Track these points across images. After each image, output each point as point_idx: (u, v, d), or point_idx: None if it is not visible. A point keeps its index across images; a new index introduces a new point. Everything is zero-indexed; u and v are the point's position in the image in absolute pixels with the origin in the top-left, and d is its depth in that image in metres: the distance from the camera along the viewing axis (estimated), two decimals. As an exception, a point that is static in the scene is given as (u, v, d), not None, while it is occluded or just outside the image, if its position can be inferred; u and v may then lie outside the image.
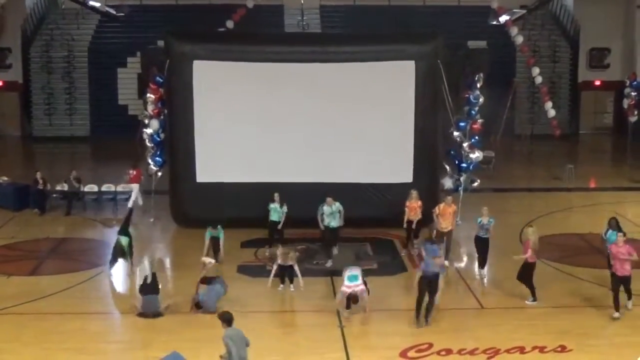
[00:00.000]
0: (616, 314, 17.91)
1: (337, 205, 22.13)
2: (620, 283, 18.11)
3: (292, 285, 19.86)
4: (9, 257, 23.11)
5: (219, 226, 22.08)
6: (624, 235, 18.69)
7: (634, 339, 16.90)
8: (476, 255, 21.52)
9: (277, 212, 22.85)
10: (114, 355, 16.36)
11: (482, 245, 21.35)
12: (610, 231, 19.85)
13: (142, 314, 18.01)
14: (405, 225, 22.96)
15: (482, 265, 21.36)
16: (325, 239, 22.64)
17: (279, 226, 22.93)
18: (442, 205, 22.05)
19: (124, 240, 21.25)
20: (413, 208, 22.86)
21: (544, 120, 38.16)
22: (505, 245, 23.60)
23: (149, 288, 18.30)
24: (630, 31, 46.06)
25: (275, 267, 19.95)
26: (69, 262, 22.69)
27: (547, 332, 17.21)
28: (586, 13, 45.82)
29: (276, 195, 22.84)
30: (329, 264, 21.78)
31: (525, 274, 19.04)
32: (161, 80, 25.73)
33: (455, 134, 25.70)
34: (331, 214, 22.11)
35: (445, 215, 21.88)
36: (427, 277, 17.60)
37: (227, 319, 14.31)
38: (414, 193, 23.00)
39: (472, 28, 43.48)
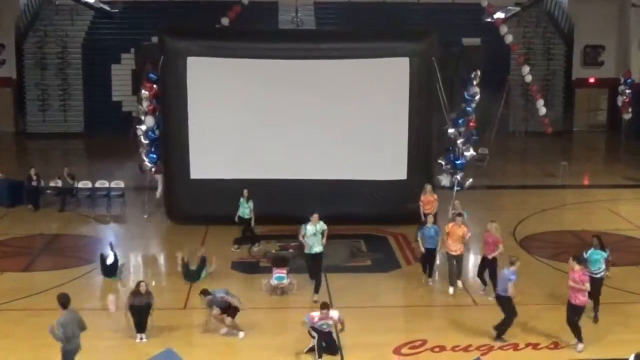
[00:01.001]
0: (580, 346, 16.31)
1: (320, 225, 19.39)
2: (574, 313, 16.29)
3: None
4: (3, 253, 23.07)
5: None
6: (608, 256, 18.03)
7: (627, 336, 16.94)
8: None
9: (242, 207, 23.00)
10: (107, 351, 16.33)
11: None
12: (592, 249, 17.91)
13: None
14: (423, 219, 22.57)
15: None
16: (308, 268, 19.80)
17: (252, 223, 23.08)
18: (450, 225, 19.75)
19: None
20: (429, 202, 22.75)
21: (537, 118, 38.25)
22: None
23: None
24: (625, 29, 46.10)
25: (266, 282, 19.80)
26: (63, 259, 22.68)
27: (541, 329, 17.24)
28: (580, 10, 45.88)
29: (245, 191, 22.98)
30: (315, 297, 19.03)
31: (493, 269, 19.07)
32: (155, 77, 25.69)
33: (450, 131, 25.67)
34: (314, 234, 19.31)
35: (455, 237, 19.55)
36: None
37: (63, 302, 14.36)
38: (429, 187, 23.01)
39: (467, 25, 43.48)
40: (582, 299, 16.07)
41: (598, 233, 18.92)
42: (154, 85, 25.77)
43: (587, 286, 15.99)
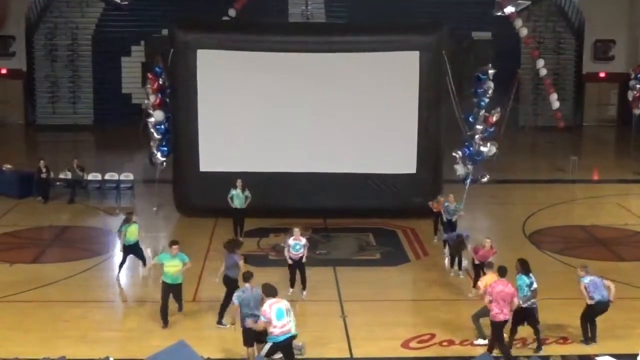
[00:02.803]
0: None
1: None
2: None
3: (304, 292, 18.96)
4: (12, 244, 23.16)
5: (178, 257, 17.22)
6: (532, 284, 15.83)
7: (636, 331, 16.91)
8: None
9: (239, 198, 22.92)
10: (116, 343, 16.35)
11: (451, 228, 21.68)
12: (518, 275, 16.03)
13: None
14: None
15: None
16: None
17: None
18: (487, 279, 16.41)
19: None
20: (436, 207, 23.11)
21: (547, 112, 38.14)
22: (507, 237, 23.66)
23: None
24: (635, 23, 45.89)
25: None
26: (72, 250, 22.74)
27: (550, 323, 17.18)
28: (591, 5, 45.67)
29: (239, 182, 22.91)
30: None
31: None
32: (160, 71, 25.67)
33: (479, 127, 25.36)
34: None
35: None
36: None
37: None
38: (441, 199, 23.18)
39: (477, 19, 43.34)
40: (506, 311, 15.26)
41: (523, 258, 16.72)
42: (158, 79, 25.67)
43: (484, 298, 15.41)
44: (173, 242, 17.37)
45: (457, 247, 20.43)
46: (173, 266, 17.01)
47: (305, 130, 24.97)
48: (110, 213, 26.73)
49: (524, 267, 16.09)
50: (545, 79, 34.86)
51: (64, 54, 45.30)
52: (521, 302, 15.59)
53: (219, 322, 16.96)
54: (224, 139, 24.93)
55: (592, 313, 16.31)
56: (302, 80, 24.88)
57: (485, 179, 25.85)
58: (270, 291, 14.18)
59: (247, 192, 22.95)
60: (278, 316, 13.89)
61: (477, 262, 18.98)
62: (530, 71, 41.95)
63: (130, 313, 18.47)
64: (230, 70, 24.72)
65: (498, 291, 15.19)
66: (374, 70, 24.71)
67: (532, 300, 15.87)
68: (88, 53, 45.40)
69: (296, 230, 18.85)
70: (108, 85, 44.71)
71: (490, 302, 15.23)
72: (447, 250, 21.54)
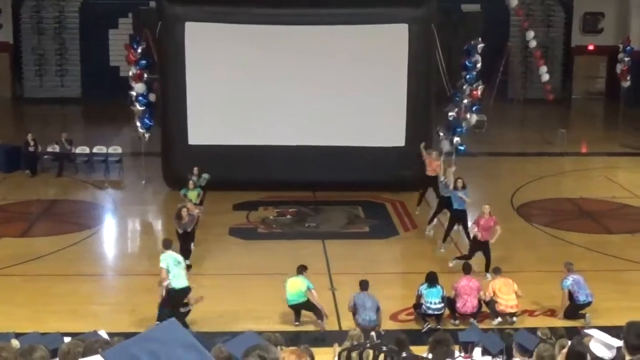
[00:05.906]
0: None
1: None
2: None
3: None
4: (0, 219, 23.07)
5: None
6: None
7: (623, 303, 16.99)
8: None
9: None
10: (105, 317, 16.37)
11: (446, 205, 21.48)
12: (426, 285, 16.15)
13: None
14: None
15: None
16: None
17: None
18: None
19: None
20: (432, 166, 23.05)
21: (537, 85, 38.09)
22: (495, 210, 23.65)
23: None
24: (625, -4, 45.84)
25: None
26: (61, 224, 22.71)
27: (537, 296, 17.30)
28: (580, -23, 45.63)
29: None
30: None
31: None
32: (136, 42, 25.48)
33: (452, 113, 25.36)
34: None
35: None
36: None
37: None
38: (434, 153, 23.28)
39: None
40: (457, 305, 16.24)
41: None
42: (136, 52, 25.41)
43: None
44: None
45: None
46: None
47: (295, 103, 24.92)
48: (98, 186, 26.67)
49: (434, 280, 16.15)
50: (535, 51, 34.76)
51: (50, 26, 44.90)
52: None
53: None
54: (212, 112, 24.85)
55: (577, 310, 16.41)
56: (291, 53, 24.79)
57: (462, 148, 25.64)
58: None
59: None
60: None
61: (479, 238, 18.79)
62: (520, 44, 41.85)
63: (119, 287, 18.49)
64: (218, 43, 24.62)
65: (462, 285, 16.10)
66: (362, 43, 24.63)
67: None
68: (75, 25, 44.99)
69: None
70: (95, 58, 44.39)
71: (455, 296, 16.14)
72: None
